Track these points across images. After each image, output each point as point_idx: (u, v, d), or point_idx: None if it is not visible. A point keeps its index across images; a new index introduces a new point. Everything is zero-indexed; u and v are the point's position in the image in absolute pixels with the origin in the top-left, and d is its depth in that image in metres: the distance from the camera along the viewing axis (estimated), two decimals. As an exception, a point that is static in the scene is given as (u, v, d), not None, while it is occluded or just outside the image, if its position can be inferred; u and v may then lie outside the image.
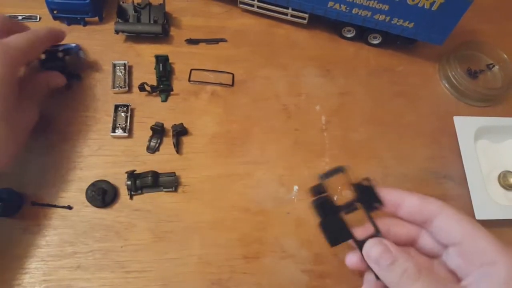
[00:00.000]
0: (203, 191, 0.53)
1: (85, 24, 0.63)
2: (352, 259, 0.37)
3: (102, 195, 0.50)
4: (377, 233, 0.35)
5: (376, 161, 0.57)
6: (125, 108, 0.57)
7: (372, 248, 0.33)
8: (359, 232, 0.36)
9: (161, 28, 0.60)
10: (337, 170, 0.37)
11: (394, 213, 0.35)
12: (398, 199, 0.35)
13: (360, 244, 0.35)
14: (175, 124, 0.55)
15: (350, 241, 0.36)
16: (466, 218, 0.33)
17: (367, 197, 0.36)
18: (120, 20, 0.61)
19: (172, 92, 0.59)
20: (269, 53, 0.64)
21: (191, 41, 0.64)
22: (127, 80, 0.59)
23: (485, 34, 0.69)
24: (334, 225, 0.36)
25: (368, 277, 0.37)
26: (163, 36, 0.62)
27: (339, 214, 0.36)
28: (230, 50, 0.64)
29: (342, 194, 0.48)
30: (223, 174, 0.54)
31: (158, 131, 0.55)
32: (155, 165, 0.54)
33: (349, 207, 0.37)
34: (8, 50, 0.43)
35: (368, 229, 0.36)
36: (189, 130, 0.57)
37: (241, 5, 0.66)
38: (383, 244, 0.33)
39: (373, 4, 0.58)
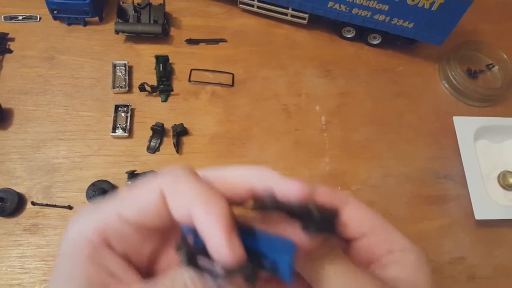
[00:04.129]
0: (203, 191, 0.53)
1: (85, 24, 0.63)
2: None
3: (103, 195, 0.50)
4: None
5: (376, 161, 0.57)
6: (125, 108, 0.57)
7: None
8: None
9: (161, 28, 0.60)
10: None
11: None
12: (309, 188, 0.30)
13: None
14: (175, 124, 0.55)
15: None
16: (370, 209, 0.29)
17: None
18: (120, 20, 0.61)
19: (172, 92, 0.59)
20: (269, 53, 0.64)
21: (191, 41, 0.64)
22: (127, 80, 0.59)
23: (485, 34, 0.69)
24: None
25: None
26: (163, 36, 0.62)
27: None
28: (230, 50, 0.64)
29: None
30: (223, 174, 0.54)
31: (158, 131, 0.55)
32: (155, 165, 0.54)
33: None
34: None
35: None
36: (189, 130, 0.57)
37: (241, 5, 0.66)
38: None
39: (373, 4, 0.58)
